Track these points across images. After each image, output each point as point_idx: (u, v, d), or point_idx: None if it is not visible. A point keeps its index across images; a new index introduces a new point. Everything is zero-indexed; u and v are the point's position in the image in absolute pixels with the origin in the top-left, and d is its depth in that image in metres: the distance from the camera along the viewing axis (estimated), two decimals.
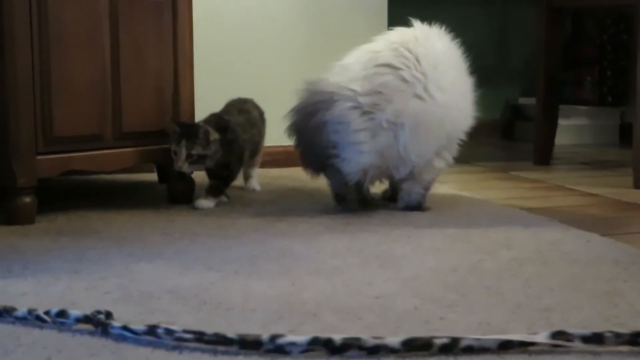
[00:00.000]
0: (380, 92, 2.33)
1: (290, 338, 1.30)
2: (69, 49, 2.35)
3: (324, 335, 1.30)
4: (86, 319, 1.40)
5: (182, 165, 2.45)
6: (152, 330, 1.34)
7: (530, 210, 2.56)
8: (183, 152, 2.44)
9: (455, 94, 2.42)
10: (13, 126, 2.25)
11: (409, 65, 2.35)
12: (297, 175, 2.92)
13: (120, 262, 1.89)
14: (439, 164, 2.43)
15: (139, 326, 1.35)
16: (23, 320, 1.44)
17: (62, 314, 1.42)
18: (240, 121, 2.65)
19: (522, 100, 4.81)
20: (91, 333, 1.39)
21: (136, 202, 2.52)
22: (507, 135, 4.85)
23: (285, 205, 2.59)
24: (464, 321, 1.46)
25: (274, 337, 1.30)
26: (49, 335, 1.37)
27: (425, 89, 2.34)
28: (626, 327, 1.39)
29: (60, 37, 2.33)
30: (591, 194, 2.89)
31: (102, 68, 2.43)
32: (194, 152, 2.44)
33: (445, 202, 2.66)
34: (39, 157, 2.30)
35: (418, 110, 2.33)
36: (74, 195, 2.82)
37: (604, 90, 4.70)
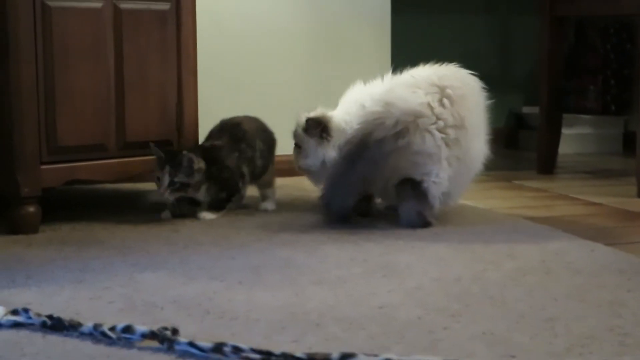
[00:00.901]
0: (461, 127, 2.40)
1: (361, 358, 1.28)
2: (73, 60, 2.36)
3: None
4: (152, 335, 1.38)
5: (164, 192, 2.41)
6: (218, 347, 1.33)
7: (533, 219, 2.56)
8: (166, 179, 2.39)
9: (481, 134, 2.55)
10: (17, 136, 2.26)
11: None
12: (300, 185, 2.92)
13: (124, 271, 1.89)
14: None
15: (206, 343, 1.34)
16: (89, 335, 1.41)
17: (128, 329, 1.40)
18: (225, 142, 2.56)
19: (526, 109, 4.81)
20: (91, 341, 1.39)
21: (140, 211, 2.52)
22: (510, 144, 4.85)
23: (289, 215, 2.59)
24: (468, 331, 1.46)
25: (344, 356, 1.28)
26: (53, 346, 1.37)
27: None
28: (631, 337, 1.39)
29: (65, 49, 2.34)
30: (595, 203, 2.88)
31: (106, 79, 2.44)
32: (176, 179, 2.40)
33: (448, 211, 2.66)
34: (43, 167, 2.31)
35: (477, 148, 2.49)
36: (78, 205, 2.82)
37: (608, 99, 4.69)
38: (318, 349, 1.34)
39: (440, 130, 2.36)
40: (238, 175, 2.56)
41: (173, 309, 1.59)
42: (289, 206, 2.74)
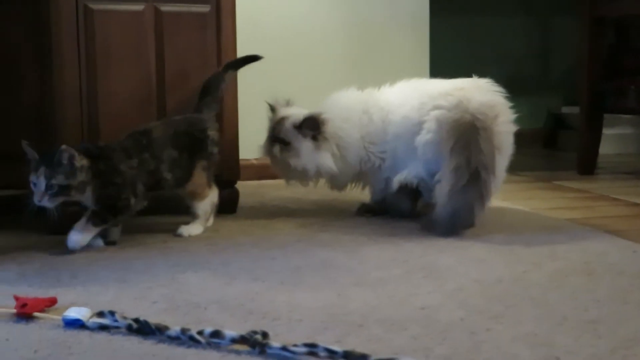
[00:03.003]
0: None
1: None
2: (115, 63, 2.39)
3: None
4: (242, 340, 1.38)
5: (41, 198, 2.05)
6: (312, 350, 1.32)
7: (574, 220, 2.55)
8: (42, 183, 2.04)
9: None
10: (60, 136, 2.29)
11: None
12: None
13: (166, 272, 1.91)
14: None
15: (299, 347, 1.34)
16: (176, 339, 1.41)
17: (216, 334, 1.39)
18: (126, 145, 2.23)
19: (565, 109, 4.78)
20: (140, 339, 1.40)
21: (180, 211, 2.54)
22: (549, 144, 4.82)
23: (328, 216, 2.60)
24: (511, 332, 1.46)
25: None
26: (99, 345, 1.39)
27: None
28: None
29: (107, 51, 2.37)
30: (636, 204, 2.86)
31: (148, 81, 2.46)
32: (54, 182, 2.05)
33: (488, 212, 2.65)
34: None
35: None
36: None
37: None
38: (361, 350, 1.34)
39: None
40: (130, 188, 2.19)
41: (216, 309, 1.60)
42: (328, 206, 2.75)
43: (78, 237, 2.12)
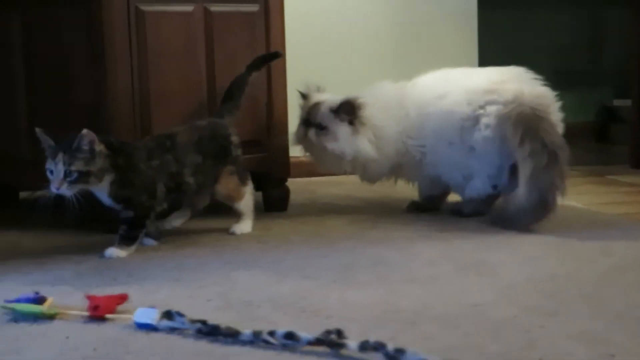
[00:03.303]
0: None
1: None
2: (166, 63, 2.42)
3: None
4: (318, 342, 1.36)
5: (60, 186, 1.99)
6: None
7: (628, 215, 2.52)
8: (60, 170, 1.99)
9: None
10: (113, 136, 2.31)
11: None
12: (387, 182, 2.91)
13: (219, 270, 1.93)
14: None
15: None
16: (249, 343, 1.40)
17: (291, 336, 1.38)
18: (149, 145, 2.20)
19: (617, 102, 4.72)
20: (193, 338, 1.42)
21: (231, 210, 2.56)
22: (601, 137, 4.77)
23: (378, 212, 2.61)
24: (565, 330, 1.45)
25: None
26: (157, 343, 1.41)
27: None
28: None
29: (158, 52, 2.40)
30: None
31: (198, 80, 2.48)
32: (73, 168, 1.99)
33: None
34: None
35: None
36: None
37: None
38: (413, 347, 1.35)
39: None
40: (148, 190, 2.15)
41: (269, 307, 1.62)
42: (377, 203, 2.75)
43: (114, 251, 2.11)
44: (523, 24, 4.62)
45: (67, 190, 2.00)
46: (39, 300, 1.57)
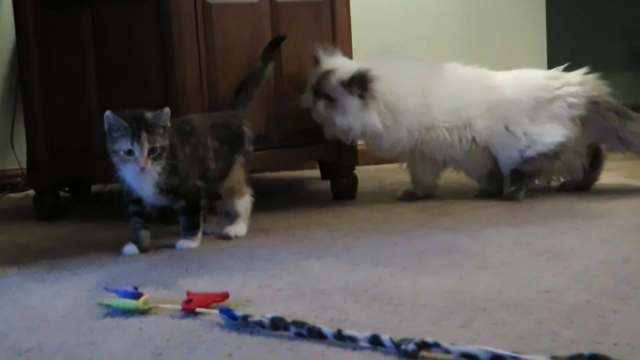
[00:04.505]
0: None
1: None
2: (234, 55, 2.44)
3: None
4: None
5: (146, 164, 1.98)
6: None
7: None
8: (145, 147, 1.97)
9: None
10: None
11: None
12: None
13: (289, 259, 1.94)
14: None
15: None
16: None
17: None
18: (173, 132, 2.10)
19: None
20: (265, 330, 1.43)
21: (300, 199, 2.58)
22: None
23: (448, 199, 2.60)
24: (639, 315, 1.43)
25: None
26: (228, 333, 1.43)
27: None
28: None
29: (225, 44, 2.42)
30: None
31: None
32: (157, 144, 1.99)
33: (612, 191, 2.59)
34: None
35: None
36: None
37: None
38: (486, 334, 1.34)
39: None
40: (195, 174, 2.12)
41: (340, 295, 1.63)
42: (448, 190, 2.74)
43: (187, 242, 2.11)
44: (594, 3, 4.53)
45: (153, 167, 2.00)
46: (137, 295, 1.59)
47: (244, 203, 2.24)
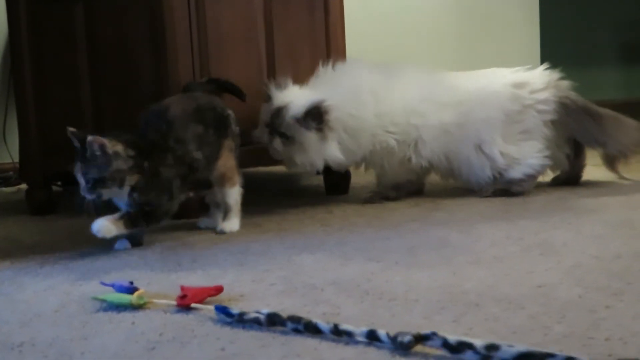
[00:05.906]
0: None
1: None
2: (227, 48, 2.44)
3: None
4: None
5: (85, 193, 1.95)
6: None
7: None
8: (81, 179, 1.94)
9: None
10: None
11: None
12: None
13: (282, 254, 1.94)
14: None
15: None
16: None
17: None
18: (154, 140, 2.05)
19: None
20: (261, 326, 1.43)
21: (293, 194, 2.58)
22: None
23: (441, 194, 2.60)
24: (632, 310, 1.43)
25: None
26: (221, 328, 1.43)
27: None
28: None
29: (218, 38, 2.42)
30: None
31: (259, 65, 2.50)
32: (90, 176, 1.93)
33: (604, 186, 2.60)
34: None
35: None
36: None
37: None
38: (478, 329, 1.35)
39: None
40: (168, 192, 2.06)
41: (332, 290, 1.63)
42: (440, 185, 2.74)
43: (104, 223, 1.97)
44: (589, 9, 4.54)
45: (90, 196, 1.95)
46: (132, 290, 1.59)
47: (234, 194, 2.20)
